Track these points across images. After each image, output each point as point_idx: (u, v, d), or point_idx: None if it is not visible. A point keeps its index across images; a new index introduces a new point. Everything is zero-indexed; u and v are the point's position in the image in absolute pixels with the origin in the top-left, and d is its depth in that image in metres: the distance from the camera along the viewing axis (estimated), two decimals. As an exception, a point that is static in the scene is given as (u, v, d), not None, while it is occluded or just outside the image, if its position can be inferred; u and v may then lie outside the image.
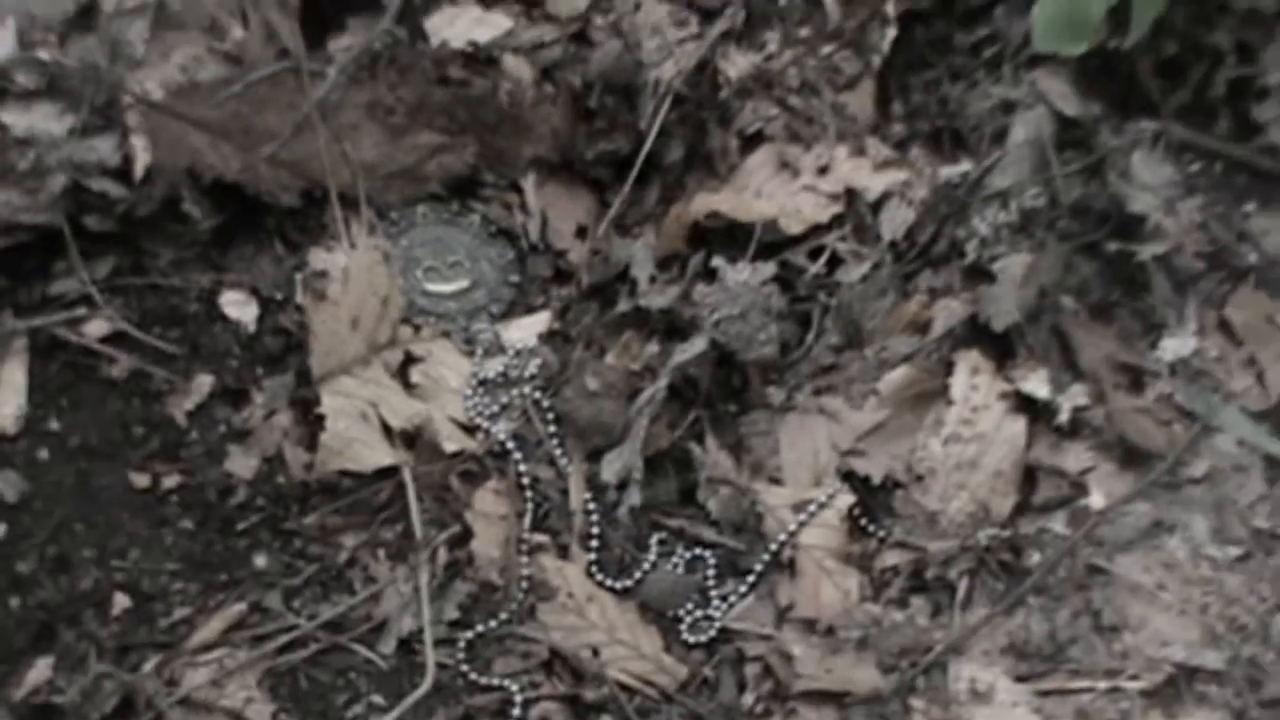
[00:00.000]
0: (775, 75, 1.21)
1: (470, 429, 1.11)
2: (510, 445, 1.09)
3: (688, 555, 1.07)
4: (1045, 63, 1.18)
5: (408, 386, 1.12)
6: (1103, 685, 1.03)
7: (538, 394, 1.11)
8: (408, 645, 1.04)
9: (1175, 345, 1.12)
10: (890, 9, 1.23)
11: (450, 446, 1.09)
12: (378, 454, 1.08)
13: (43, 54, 1.16)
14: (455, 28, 1.23)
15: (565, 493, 1.08)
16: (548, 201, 1.18)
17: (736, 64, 1.21)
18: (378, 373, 1.11)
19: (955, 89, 1.22)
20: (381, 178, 1.19)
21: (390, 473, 1.10)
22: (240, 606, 1.06)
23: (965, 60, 1.23)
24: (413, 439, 1.10)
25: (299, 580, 1.07)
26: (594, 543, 1.07)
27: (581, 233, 1.18)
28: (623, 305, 1.14)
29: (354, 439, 1.08)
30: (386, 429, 1.10)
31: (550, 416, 1.10)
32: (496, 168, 1.20)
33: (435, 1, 1.23)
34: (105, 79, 1.15)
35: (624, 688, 1.03)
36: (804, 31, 1.23)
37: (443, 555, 1.07)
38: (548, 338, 1.15)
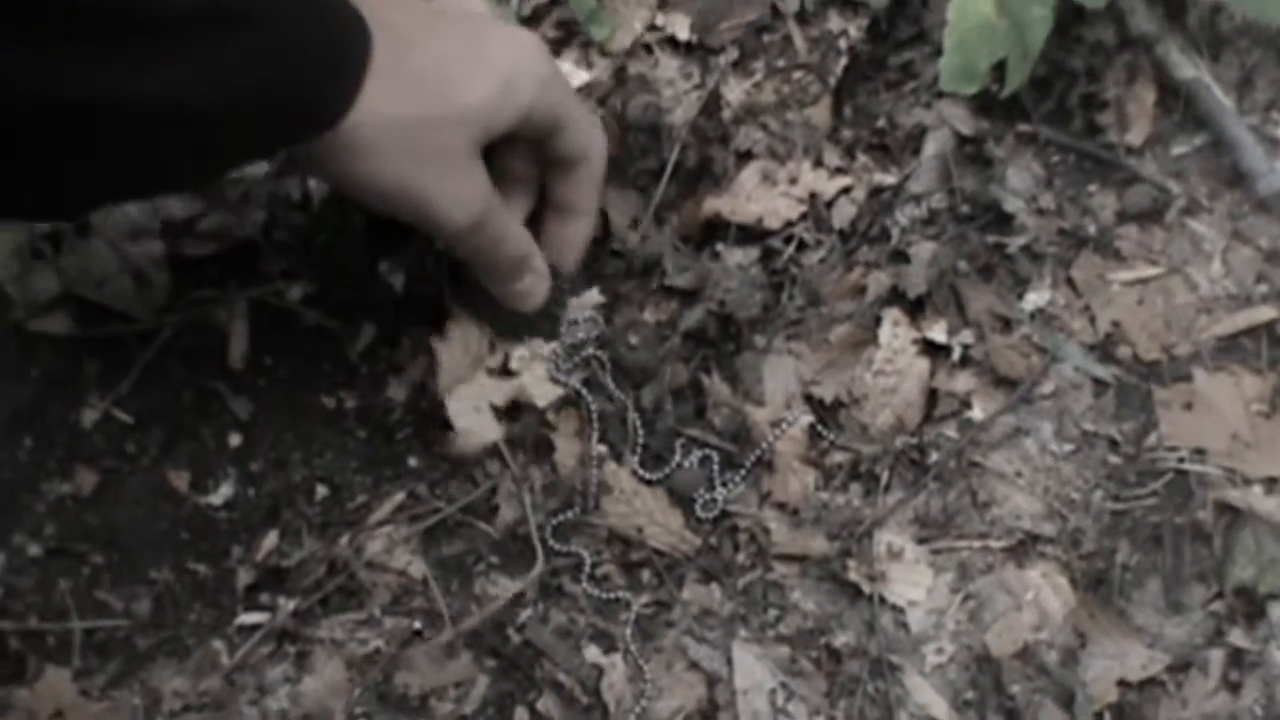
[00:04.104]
0: (761, 103, 1.34)
1: (555, 381, 1.23)
2: (581, 389, 1.23)
3: (700, 456, 1.23)
4: (949, 95, 1.32)
5: (507, 371, 1.24)
6: (976, 545, 1.20)
7: (598, 350, 1.24)
8: (514, 526, 1.21)
9: (1035, 298, 1.28)
10: (842, 44, 1.35)
11: (542, 403, 1.23)
12: (490, 432, 1.23)
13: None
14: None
15: (620, 419, 1.23)
16: (609, 203, 1.28)
17: (734, 91, 1.33)
18: (481, 375, 1.24)
19: (889, 101, 1.35)
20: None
21: (500, 405, 1.23)
22: (401, 495, 1.22)
23: (895, 76, 1.36)
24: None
25: (439, 475, 1.23)
26: (637, 451, 1.22)
27: (634, 224, 1.29)
28: (654, 279, 1.28)
29: (472, 430, 1.22)
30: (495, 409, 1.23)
31: (607, 364, 1.24)
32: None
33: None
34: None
35: (658, 552, 1.20)
36: (780, 62, 1.36)
37: (536, 466, 1.22)
38: (603, 306, 1.26)
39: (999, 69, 1.29)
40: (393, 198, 0.99)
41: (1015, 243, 1.27)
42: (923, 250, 1.27)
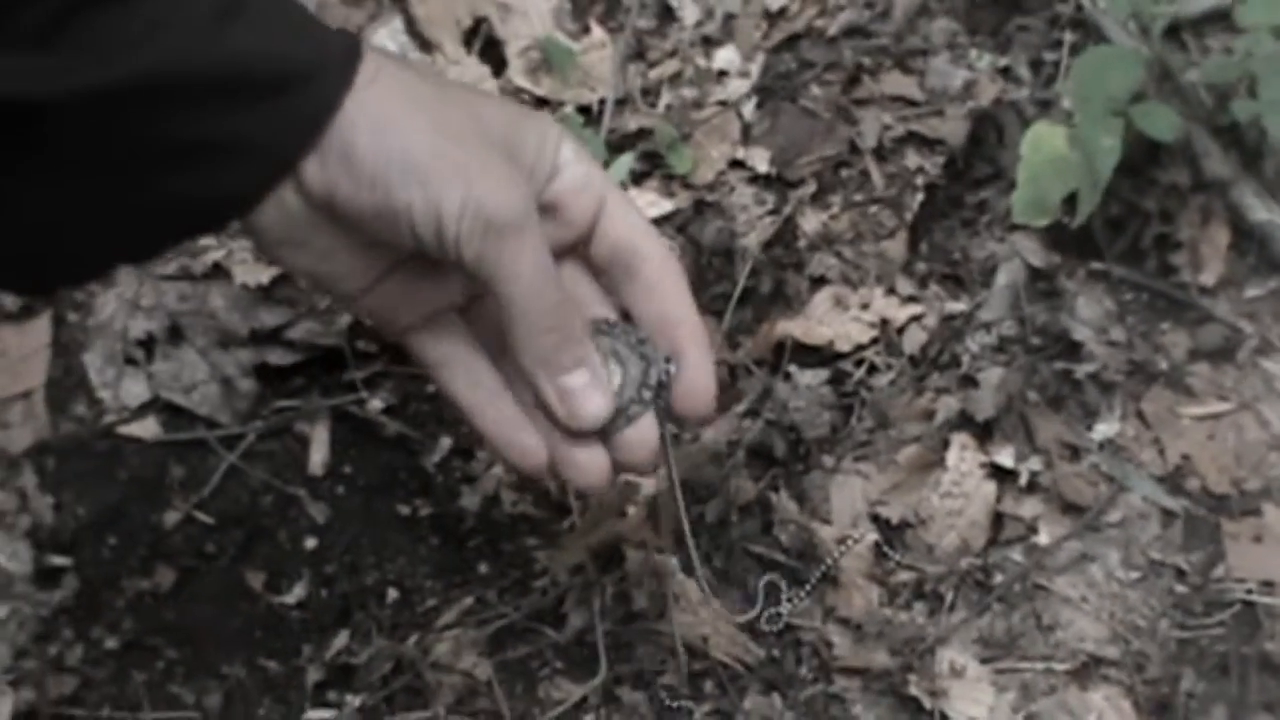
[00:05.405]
0: (836, 232, 1.38)
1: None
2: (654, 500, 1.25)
3: (765, 570, 1.26)
4: (1022, 228, 1.36)
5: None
6: (1039, 667, 1.21)
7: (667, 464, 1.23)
8: (581, 633, 1.23)
9: (1104, 429, 1.30)
10: (919, 180, 1.40)
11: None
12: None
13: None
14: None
15: (690, 531, 1.18)
16: None
17: (810, 221, 1.38)
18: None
19: (963, 236, 1.40)
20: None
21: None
22: (470, 600, 1.25)
23: (971, 214, 1.41)
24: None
25: (508, 582, 1.26)
26: (704, 563, 1.25)
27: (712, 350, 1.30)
28: (726, 399, 1.30)
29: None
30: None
31: (675, 478, 1.14)
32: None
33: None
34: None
35: (721, 663, 1.21)
36: (858, 196, 1.40)
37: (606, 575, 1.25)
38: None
39: (1070, 202, 1.33)
40: (425, 174, 0.79)
41: (1083, 370, 1.30)
42: (992, 375, 1.30)
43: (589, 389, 0.86)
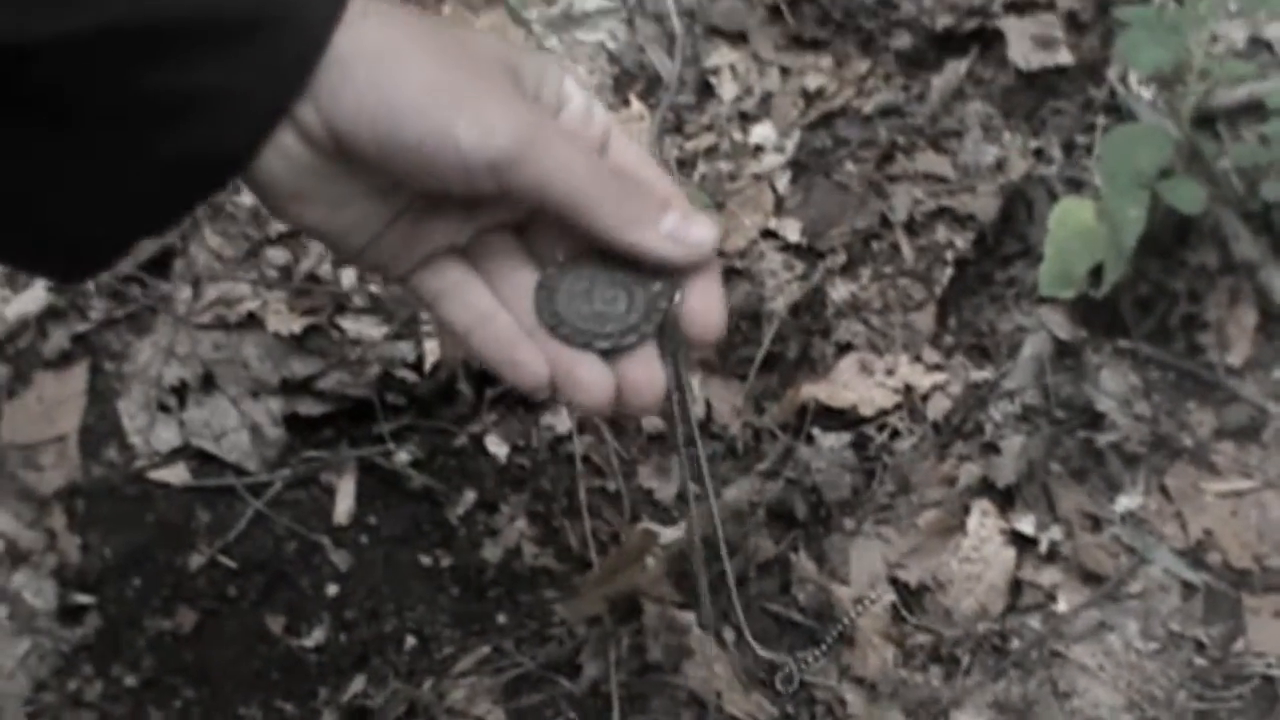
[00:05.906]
0: (864, 301, 1.40)
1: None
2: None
3: (782, 629, 1.26)
4: (1049, 301, 1.38)
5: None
6: (1054, 733, 1.21)
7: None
8: (595, 683, 1.24)
9: (1126, 501, 1.31)
10: (949, 255, 1.42)
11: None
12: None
13: (373, 286, 1.37)
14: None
15: (708, 588, 1.18)
16: (711, 391, 1.33)
17: (839, 290, 1.40)
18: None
19: (991, 310, 1.42)
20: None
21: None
22: (487, 648, 1.27)
23: (1000, 290, 1.43)
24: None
25: (525, 633, 1.27)
26: (721, 619, 1.24)
27: (736, 412, 1.34)
28: (747, 460, 1.33)
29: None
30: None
31: (696, 535, 1.17)
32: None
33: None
34: (410, 304, 1.35)
35: (734, 719, 1.21)
36: (888, 269, 1.43)
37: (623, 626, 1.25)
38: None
39: (1096, 275, 1.34)
40: (430, 104, 0.76)
41: (1105, 439, 1.31)
42: (1014, 444, 1.31)
43: (687, 222, 0.81)
